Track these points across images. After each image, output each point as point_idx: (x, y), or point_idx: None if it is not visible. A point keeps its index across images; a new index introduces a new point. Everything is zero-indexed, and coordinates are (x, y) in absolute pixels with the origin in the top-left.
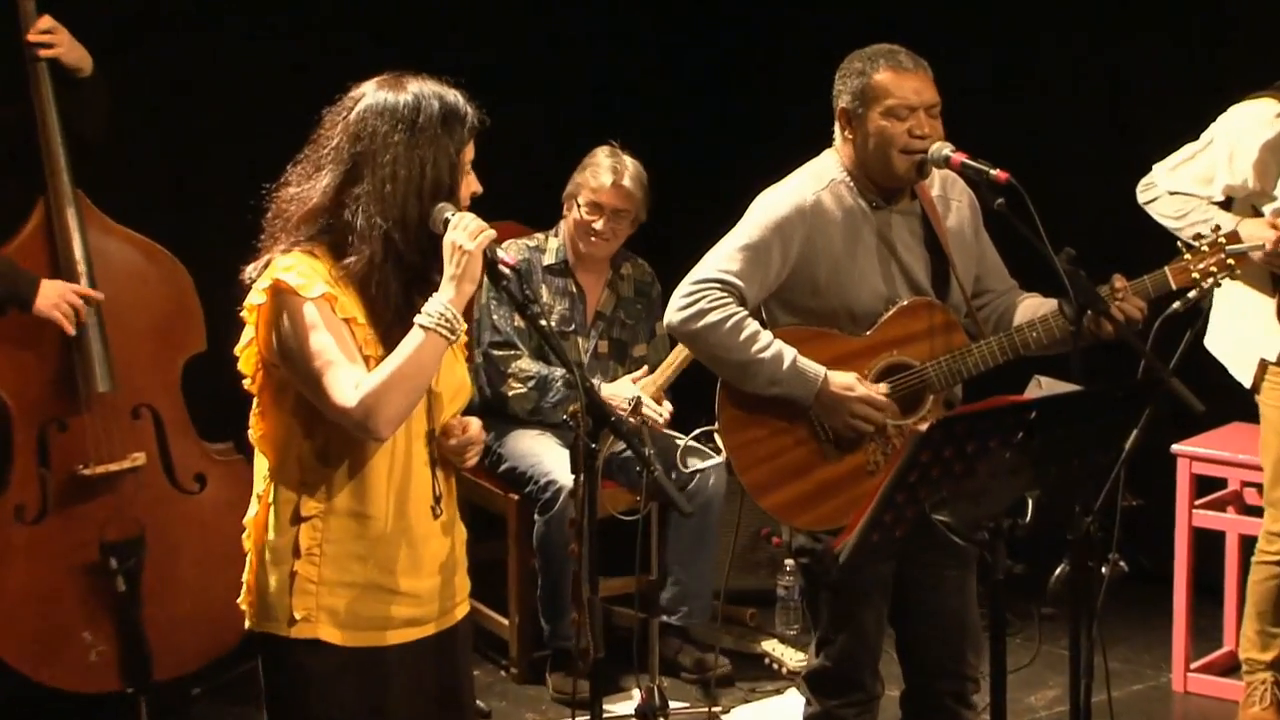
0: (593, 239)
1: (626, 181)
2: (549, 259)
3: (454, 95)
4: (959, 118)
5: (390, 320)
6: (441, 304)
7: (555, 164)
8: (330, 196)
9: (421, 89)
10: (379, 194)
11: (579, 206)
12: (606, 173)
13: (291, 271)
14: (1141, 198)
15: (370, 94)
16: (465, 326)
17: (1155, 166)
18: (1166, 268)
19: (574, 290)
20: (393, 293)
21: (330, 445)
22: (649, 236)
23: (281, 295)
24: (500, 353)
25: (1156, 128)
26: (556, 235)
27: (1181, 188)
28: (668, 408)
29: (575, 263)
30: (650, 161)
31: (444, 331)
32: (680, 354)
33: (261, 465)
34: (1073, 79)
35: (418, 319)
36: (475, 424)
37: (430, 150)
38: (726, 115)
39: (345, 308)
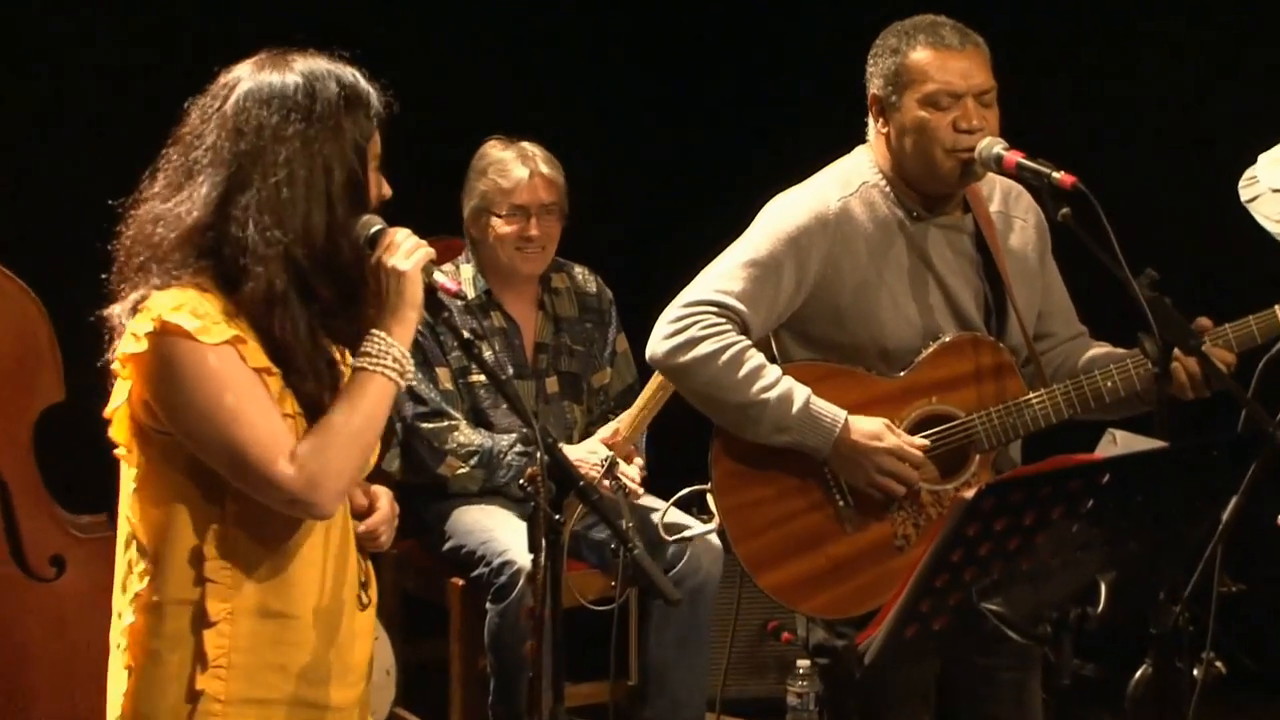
0: (529, 250)
1: (544, 168)
2: (468, 293)
3: (352, 74)
4: (1022, 121)
5: (301, 367)
6: (385, 340)
7: None
8: (212, 210)
9: (313, 68)
10: (273, 201)
11: (496, 220)
12: (516, 166)
13: (182, 311)
14: (1244, 194)
15: (249, 77)
16: (412, 366)
17: (1261, 156)
18: (1278, 306)
19: (504, 325)
20: (301, 331)
21: (240, 529)
22: (629, 251)
23: (171, 342)
24: (431, 425)
25: (1259, 132)
26: (469, 262)
27: None
28: (639, 464)
29: (500, 290)
30: (631, 157)
31: (393, 374)
32: (655, 388)
33: (133, 557)
34: (1164, 76)
35: (358, 361)
36: (385, 496)
37: (333, 144)
38: (731, 101)
39: (255, 355)
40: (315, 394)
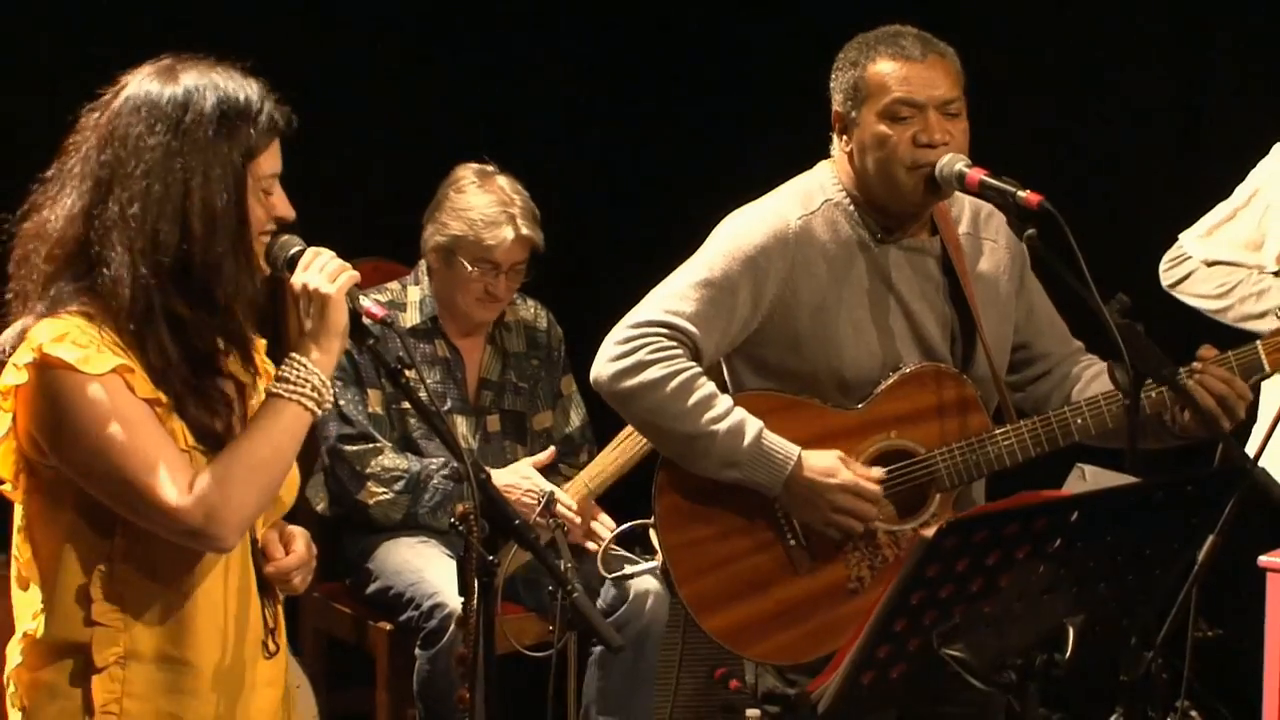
0: (489, 304)
1: (525, 229)
2: (413, 317)
3: (243, 89)
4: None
5: (180, 392)
6: (304, 366)
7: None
8: (77, 224)
9: (197, 80)
10: (124, 217)
11: (462, 265)
12: (501, 224)
13: (63, 342)
14: (1168, 278)
15: (133, 84)
16: (331, 395)
17: (1182, 236)
18: (1259, 342)
19: (447, 356)
20: (172, 355)
21: (129, 566)
22: (574, 271)
23: (52, 375)
24: (354, 448)
25: (1235, 149)
26: (418, 284)
27: (1222, 256)
28: (606, 522)
29: (448, 319)
30: (573, 171)
31: (310, 403)
32: (625, 445)
33: (27, 598)
34: (1146, 92)
35: (273, 387)
36: (301, 538)
37: (199, 159)
38: (684, 110)
39: (143, 384)
40: (206, 423)
